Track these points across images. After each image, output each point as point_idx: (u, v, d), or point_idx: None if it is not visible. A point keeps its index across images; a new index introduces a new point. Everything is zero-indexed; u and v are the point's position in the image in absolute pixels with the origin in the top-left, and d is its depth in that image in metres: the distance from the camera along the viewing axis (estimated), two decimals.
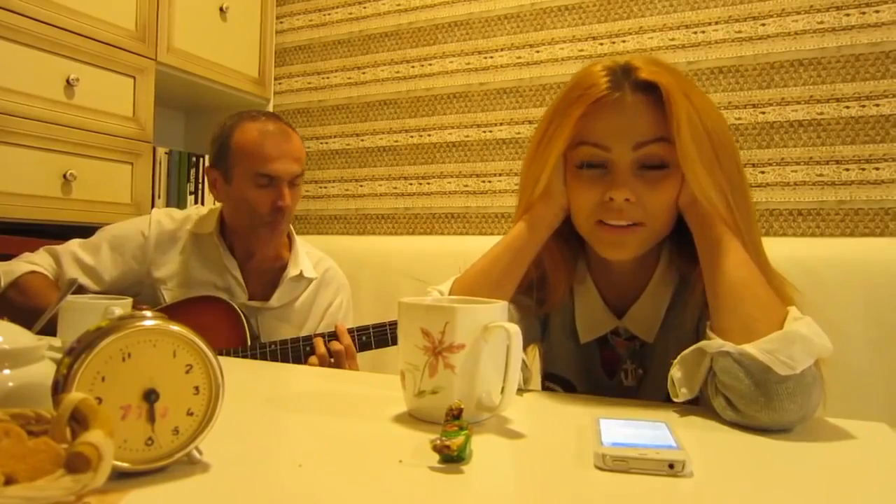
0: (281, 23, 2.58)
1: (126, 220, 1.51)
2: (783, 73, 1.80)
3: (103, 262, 1.43)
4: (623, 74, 0.78)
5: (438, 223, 2.26)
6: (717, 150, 0.76)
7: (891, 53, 1.69)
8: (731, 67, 1.86)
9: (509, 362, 0.63)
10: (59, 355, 0.46)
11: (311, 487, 0.47)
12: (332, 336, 1.31)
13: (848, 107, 1.73)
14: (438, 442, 0.50)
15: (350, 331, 1.31)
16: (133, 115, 2.00)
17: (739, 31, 1.85)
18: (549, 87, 2.10)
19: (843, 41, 1.74)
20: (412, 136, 2.31)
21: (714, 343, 0.69)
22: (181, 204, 2.26)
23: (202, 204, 2.33)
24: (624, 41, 2.00)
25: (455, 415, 0.55)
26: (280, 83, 2.58)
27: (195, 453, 0.48)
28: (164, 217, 1.49)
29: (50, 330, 1.03)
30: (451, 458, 0.51)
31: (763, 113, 1.82)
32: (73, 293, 1.09)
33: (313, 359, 1.29)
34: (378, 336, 1.32)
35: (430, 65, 2.29)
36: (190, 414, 0.48)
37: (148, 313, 0.47)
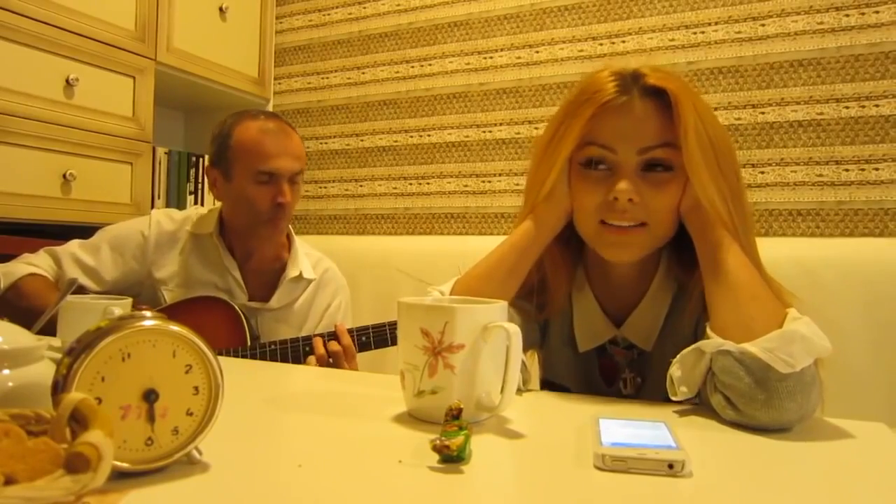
0: (280, 23, 2.58)
1: (126, 221, 1.51)
2: (783, 74, 1.80)
3: (103, 263, 1.43)
4: (632, 79, 0.80)
5: (438, 223, 2.26)
6: (719, 158, 0.77)
7: (890, 54, 1.69)
8: (731, 68, 1.86)
9: (509, 362, 0.63)
10: (58, 355, 0.46)
11: (310, 487, 0.47)
12: (332, 336, 1.31)
13: (847, 107, 1.73)
14: (438, 442, 0.50)
15: (350, 331, 1.31)
16: (133, 114, 2.00)
17: (739, 32, 1.85)
18: (549, 87, 2.10)
19: (842, 42, 1.74)
20: (412, 137, 2.31)
21: (714, 342, 0.70)
22: (181, 204, 2.26)
23: (202, 204, 2.33)
24: (624, 41, 2.00)
25: (455, 415, 0.55)
26: (280, 83, 2.58)
27: (195, 453, 0.48)
28: (163, 217, 1.49)
29: (50, 330, 1.03)
30: (451, 458, 0.51)
31: (763, 113, 1.82)
32: (74, 293, 1.09)
33: (311, 359, 1.28)
34: (377, 336, 1.32)
35: (430, 65, 2.29)
36: (189, 414, 0.48)
37: (147, 313, 0.47)
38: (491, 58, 2.19)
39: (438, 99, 2.27)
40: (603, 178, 0.80)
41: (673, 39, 1.93)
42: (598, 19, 2.03)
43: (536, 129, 2.11)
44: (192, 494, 0.45)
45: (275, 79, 2.58)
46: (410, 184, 2.31)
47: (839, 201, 1.74)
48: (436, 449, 0.50)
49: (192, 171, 2.32)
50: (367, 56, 2.41)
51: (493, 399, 0.64)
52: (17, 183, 1.71)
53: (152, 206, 2.10)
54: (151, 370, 0.46)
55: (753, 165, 1.82)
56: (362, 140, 2.40)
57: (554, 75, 2.09)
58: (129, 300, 1.07)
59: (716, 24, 1.88)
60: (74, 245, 1.45)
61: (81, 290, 1.36)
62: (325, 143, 2.47)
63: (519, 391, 0.78)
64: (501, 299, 0.74)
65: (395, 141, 2.34)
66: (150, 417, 0.46)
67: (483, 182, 2.19)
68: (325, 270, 1.56)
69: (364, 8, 2.42)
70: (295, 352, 1.32)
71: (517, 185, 2.12)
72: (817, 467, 0.57)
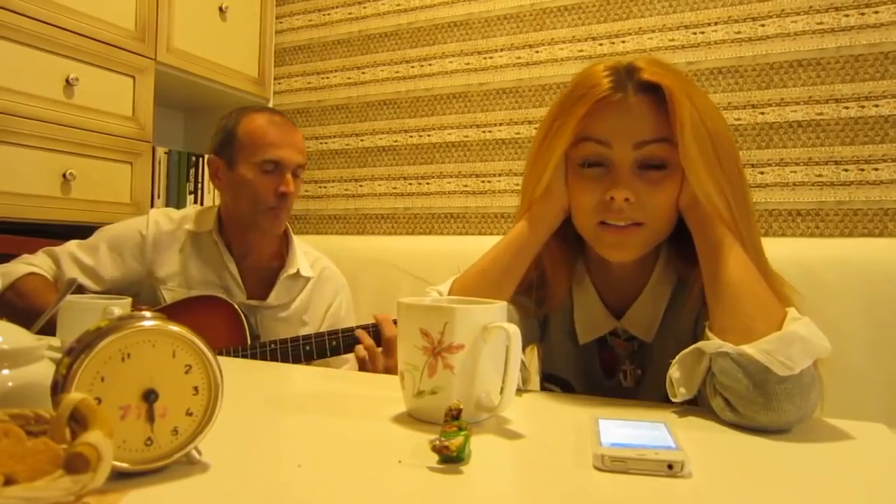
0: (280, 23, 2.58)
1: (124, 221, 1.51)
2: (782, 74, 1.80)
3: (102, 263, 1.43)
4: (626, 75, 0.79)
5: (438, 223, 2.26)
6: (718, 152, 0.76)
7: (890, 54, 1.69)
8: (731, 68, 1.86)
9: (508, 363, 0.63)
10: (58, 355, 0.46)
11: (310, 488, 0.47)
12: (375, 329, 1.28)
13: (847, 107, 1.73)
14: (437, 442, 0.50)
15: (365, 327, 1.31)
16: (133, 114, 2.00)
17: (739, 32, 1.85)
18: (549, 87, 2.10)
19: (842, 42, 1.74)
20: (412, 136, 2.31)
21: (713, 343, 0.70)
22: (181, 204, 2.26)
23: (202, 204, 2.33)
24: (623, 42, 2.00)
25: (454, 415, 0.55)
26: (279, 83, 2.58)
27: (194, 453, 0.48)
28: (161, 217, 1.49)
29: (49, 330, 1.03)
30: (451, 459, 0.51)
31: (762, 113, 1.82)
32: (73, 293, 1.09)
33: (360, 348, 1.26)
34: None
35: (430, 65, 2.29)
36: (189, 414, 0.48)
37: (147, 313, 0.47)
38: (491, 58, 2.19)
39: (438, 99, 2.27)
40: (599, 177, 0.79)
41: (673, 40, 1.93)
42: (597, 19, 2.03)
43: (536, 129, 2.10)
44: (191, 495, 0.45)
45: (275, 79, 2.58)
46: (410, 184, 2.31)
47: (839, 201, 1.74)
48: (435, 449, 0.50)
49: (192, 171, 2.32)
50: (366, 56, 2.41)
51: (492, 399, 0.64)
52: (17, 182, 1.71)
53: (152, 206, 2.10)
54: (151, 370, 0.46)
55: (753, 166, 1.83)
56: (362, 140, 2.40)
57: (554, 75, 2.09)
58: (129, 300, 1.07)
59: (715, 24, 1.88)
60: (73, 245, 1.45)
61: (81, 289, 1.36)
62: (325, 142, 2.47)
63: (518, 391, 0.78)
64: (499, 297, 0.74)
65: (395, 141, 2.34)
66: (150, 417, 0.46)
67: (483, 182, 2.19)
68: (322, 269, 1.56)
69: (364, 8, 2.42)
70: (295, 351, 1.32)
71: (517, 185, 2.12)
72: (817, 468, 0.58)
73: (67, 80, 1.80)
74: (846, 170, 1.73)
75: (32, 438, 0.38)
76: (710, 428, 0.67)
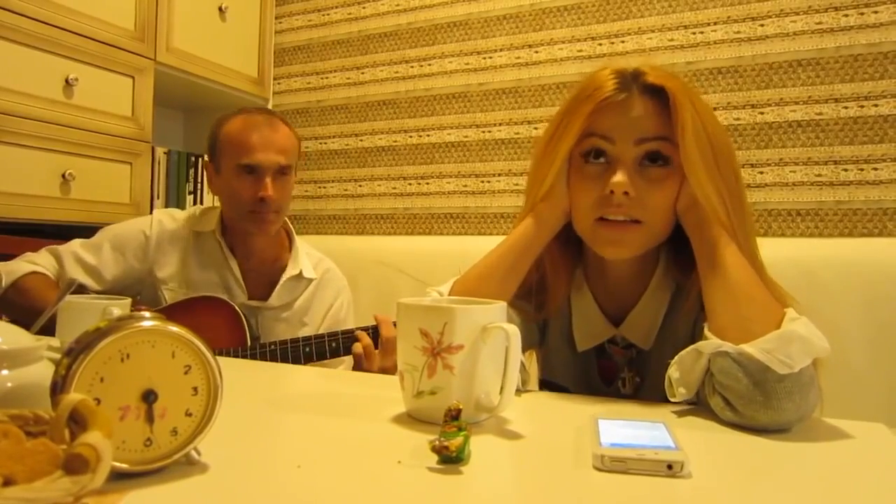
0: (280, 23, 2.58)
1: (128, 220, 1.51)
2: (782, 74, 1.80)
3: (105, 262, 1.43)
4: (631, 78, 0.81)
5: (437, 223, 2.26)
6: (717, 156, 0.78)
7: (889, 54, 1.69)
8: (730, 68, 1.86)
9: (508, 363, 0.63)
10: (57, 356, 0.46)
11: (309, 488, 0.47)
12: (374, 330, 1.29)
13: (846, 107, 1.73)
14: (437, 443, 0.50)
15: (366, 328, 1.31)
16: (132, 114, 2.00)
17: (738, 32, 1.85)
18: (548, 87, 2.10)
19: (841, 42, 1.74)
20: (411, 137, 2.31)
21: (712, 343, 0.70)
22: (180, 204, 2.26)
23: (201, 204, 2.33)
24: (623, 42, 2.00)
25: (454, 415, 0.55)
26: (279, 83, 2.57)
27: (194, 454, 0.48)
28: (165, 217, 1.49)
29: (49, 330, 1.03)
30: (450, 459, 0.51)
31: (762, 113, 1.82)
32: (75, 293, 1.09)
33: (357, 346, 1.26)
34: None
35: (429, 65, 2.29)
36: (188, 415, 0.48)
37: (146, 314, 0.47)
38: (490, 58, 2.19)
39: (438, 99, 2.27)
40: (600, 172, 0.80)
41: (672, 39, 1.93)
42: (597, 19, 2.03)
43: (536, 129, 2.11)
44: (191, 495, 0.45)
45: (274, 79, 2.58)
46: (410, 184, 2.31)
47: (838, 201, 1.74)
48: (435, 450, 0.50)
49: (192, 171, 2.32)
50: (366, 56, 2.41)
51: (492, 400, 0.64)
52: (17, 183, 1.71)
53: (151, 206, 2.10)
54: (150, 371, 0.46)
55: (752, 165, 1.83)
56: (361, 140, 2.40)
57: (553, 75, 2.09)
58: (129, 300, 1.07)
59: (715, 24, 1.88)
60: (76, 244, 1.45)
61: (82, 289, 1.36)
62: (325, 143, 2.47)
63: (518, 392, 0.78)
64: (501, 298, 0.75)
65: (395, 141, 2.34)
66: (149, 418, 0.46)
67: (482, 182, 2.19)
68: (325, 270, 1.56)
69: (363, 8, 2.42)
70: (295, 352, 1.32)
71: (516, 185, 2.13)
72: (816, 468, 0.58)
73: (67, 81, 1.80)
74: (846, 169, 1.73)
75: (31, 439, 0.38)
76: (709, 428, 0.67)
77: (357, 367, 1.27)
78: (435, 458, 0.51)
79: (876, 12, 1.70)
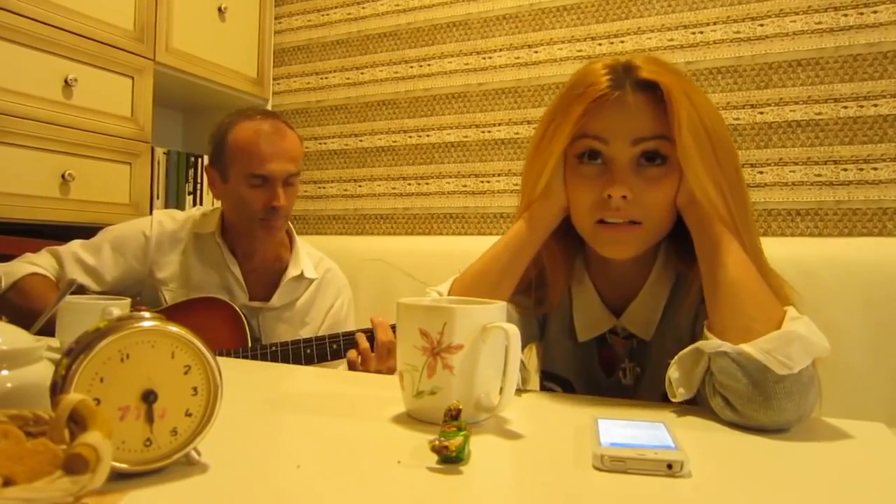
0: (279, 23, 2.58)
1: (128, 221, 1.51)
2: (781, 74, 1.80)
3: (105, 263, 1.43)
4: (624, 73, 0.79)
5: (437, 223, 2.26)
6: (716, 150, 0.76)
7: (888, 54, 1.69)
8: (730, 68, 1.86)
9: (508, 363, 0.63)
10: (57, 356, 0.46)
11: (309, 488, 0.47)
12: (370, 333, 1.29)
13: (846, 107, 1.73)
14: (437, 442, 0.50)
15: (366, 331, 1.31)
16: (131, 115, 2.00)
17: (738, 32, 1.85)
18: (548, 87, 2.10)
19: (840, 41, 1.74)
20: (411, 137, 2.31)
21: (711, 343, 0.70)
22: (180, 204, 2.26)
23: (200, 204, 2.33)
24: (622, 41, 2.00)
25: (454, 415, 0.55)
26: (278, 83, 2.57)
27: (193, 454, 0.48)
28: (165, 218, 1.49)
29: (49, 330, 1.03)
30: (450, 459, 0.51)
31: (761, 113, 1.82)
32: (75, 293, 1.09)
33: (353, 353, 1.27)
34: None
35: (429, 65, 2.29)
36: (188, 415, 0.48)
37: (146, 314, 0.47)
38: (490, 58, 2.19)
39: (437, 99, 2.27)
40: (597, 174, 0.79)
41: (671, 39, 1.93)
42: (596, 19, 2.03)
43: (535, 129, 2.10)
44: (190, 495, 0.45)
45: (273, 79, 2.58)
46: (409, 184, 2.31)
47: (838, 201, 1.74)
48: (435, 450, 0.50)
49: (191, 172, 2.31)
50: (365, 56, 2.41)
51: (491, 399, 0.64)
52: (16, 183, 1.71)
53: (151, 207, 2.10)
54: (150, 371, 0.46)
55: (752, 165, 1.83)
56: (361, 140, 2.40)
57: (553, 75, 2.09)
58: (128, 301, 1.07)
59: (714, 24, 1.88)
60: (76, 245, 1.45)
61: (82, 289, 1.36)
62: (324, 143, 2.47)
63: (518, 392, 0.78)
64: (499, 297, 0.75)
65: (394, 141, 2.34)
66: (149, 418, 0.46)
67: (482, 182, 2.19)
68: (326, 270, 1.56)
69: (363, 8, 2.42)
70: (296, 353, 1.32)
71: (516, 185, 2.12)
72: (816, 467, 0.58)
73: (66, 81, 1.80)
74: (845, 169, 1.73)
75: (31, 439, 0.38)
76: (709, 427, 0.67)
77: (351, 370, 1.27)
78: (435, 457, 0.51)
79: (875, 12, 1.71)
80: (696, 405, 0.75)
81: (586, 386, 0.93)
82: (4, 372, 0.51)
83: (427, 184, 2.28)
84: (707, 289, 0.75)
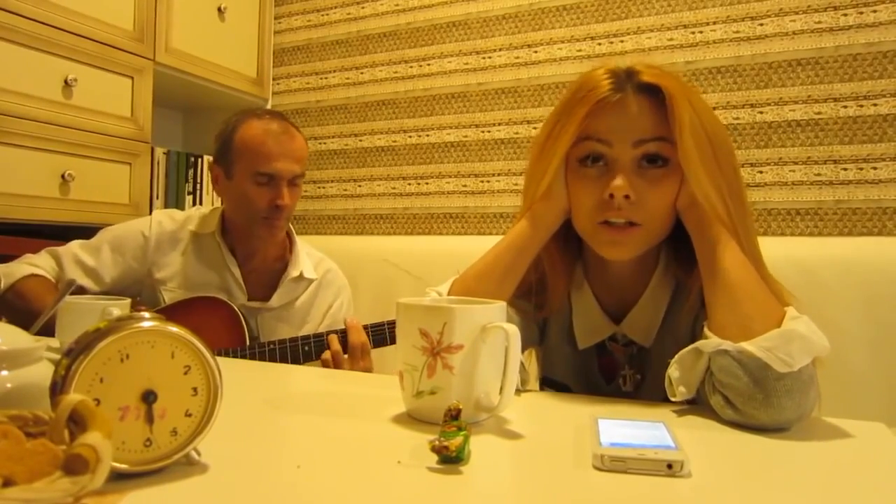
0: (279, 23, 2.58)
1: (127, 222, 1.51)
2: (781, 73, 1.80)
3: (104, 263, 1.43)
4: (626, 77, 0.80)
5: (437, 223, 2.26)
6: (716, 153, 0.77)
7: (888, 53, 1.69)
8: (729, 67, 1.86)
9: (508, 363, 0.63)
10: (57, 356, 0.46)
11: (309, 488, 0.47)
12: (344, 333, 1.31)
13: (846, 106, 1.73)
14: (437, 442, 0.50)
15: (364, 327, 1.32)
16: (131, 115, 2.00)
17: (737, 31, 1.85)
18: (548, 87, 2.10)
19: (840, 41, 1.74)
20: (410, 137, 2.31)
21: (712, 342, 0.70)
22: (179, 204, 2.26)
23: (200, 204, 2.33)
24: (622, 41, 2.00)
25: (453, 415, 0.55)
26: (278, 83, 2.57)
27: (193, 454, 0.48)
28: (164, 218, 1.49)
29: (48, 331, 1.03)
30: (450, 459, 0.51)
31: (761, 113, 1.82)
32: (74, 294, 1.09)
33: (327, 354, 1.29)
34: (390, 333, 1.33)
35: (429, 65, 2.29)
36: (188, 415, 0.48)
37: (146, 314, 0.47)
38: (489, 58, 2.19)
39: (437, 99, 2.27)
40: (599, 175, 0.80)
41: (671, 39, 1.93)
42: (596, 19, 2.03)
43: (535, 128, 2.11)
44: (190, 495, 0.45)
45: (273, 79, 2.58)
46: (409, 184, 2.31)
47: (837, 200, 1.74)
48: (435, 450, 0.50)
49: (191, 172, 2.31)
50: (365, 56, 2.41)
51: (491, 399, 0.64)
52: (16, 183, 1.71)
53: (151, 207, 2.10)
54: (150, 371, 0.46)
55: (752, 165, 1.83)
56: (361, 140, 2.40)
57: (552, 75, 2.09)
58: (128, 301, 1.07)
59: (714, 23, 1.88)
60: (75, 245, 1.45)
61: (81, 290, 1.36)
62: (324, 143, 2.47)
63: (518, 391, 0.78)
64: (499, 297, 0.74)
65: (394, 141, 2.34)
66: (149, 418, 0.46)
67: (482, 182, 2.19)
68: (326, 271, 1.56)
69: (362, 8, 2.42)
70: (294, 351, 1.33)
71: (516, 185, 2.12)
72: (816, 467, 0.58)
73: (66, 81, 1.80)
74: (845, 169, 1.73)
75: (31, 440, 0.38)
76: (709, 427, 0.67)
77: (352, 361, 1.30)
78: (435, 457, 0.51)
79: (875, 12, 1.71)
80: (696, 405, 0.75)
81: (586, 393, 0.93)
82: (4, 372, 0.51)
83: (427, 184, 2.28)
84: (707, 289, 0.75)
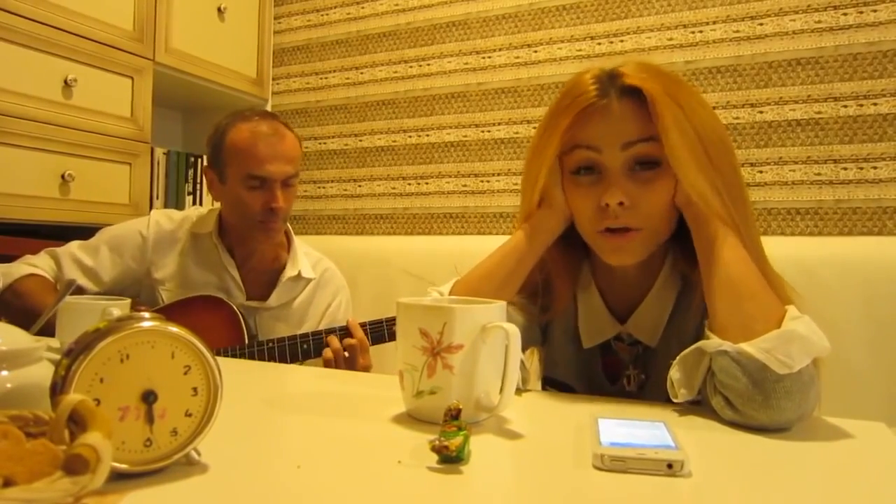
0: (279, 23, 2.58)
1: (125, 222, 1.51)
2: (781, 73, 1.80)
3: (102, 264, 1.43)
4: (609, 81, 0.80)
5: (437, 223, 2.26)
6: (707, 149, 0.76)
7: (888, 53, 1.69)
8: (729, 67, 1.86)
9: (508, 362, 0.63)
10: (57, 356, 0.46)
11: (309, 488, 0.47)
12: (345, 332, 1.32)
13: (846, 106, 1.73)
14: (437, 442, 0.50)
15: (363, 325, 1.33)
16: (131, 115, 2.00)
17: (737, 31, 1.85)
18: (547, 86, 2.10)
19: (840, 40, 1.74)
20: (410, 137, 2.31)
21: (712, 342, 0.70)
22: (179, 204, 2.26)
23: (200, 204, 2.33)
24: (622, 41, 2.00)
25: (454, 415, 0.55)
26: (278, 83, 2.57)
27: (194, 454, 0.48)
28: (162, 218, 1.49)
29: (48, 331, 1.03)
30: (450, 459, 0.51)
31: (761, 112, 1.82)
32: (73, 294, 1.09)
33: (328, 351, 1.29)
34: (388, 331, 1.34)
35: (429, 65, 2.29)
36: (188, 415, 0.48)
37: (146, 314, 0.47)
38: (489, 57, 2.19)
39: (437, 99, 2.27)
40: (592, 183, 0.80)
41: (671, 39, 1.93)
42: (596, 19, 2.03)
43: (535, 128, 2.09)
44: (191, 495, 0.45)
45: (273, 79, 2.58)
46: (409, 184, 2.31)
47: (837, 200, 1.74)
48: (435, 449, 0.50)
49: (191, 172, 2.31)
50: (365, 56, 2.40)
51: (492, 399, 0.64)
52: (16, 183, 1.71)
53: (151, 207, 2.10)
54: (150, 371, 0.46)
55: (752, 164, 1.83)
56: (361, 140, 2.40)
57: (552, 75, 2.09)
58: (128, 301, 1.07)
59: (714, 23, 1.88)
60: (74, 246, 1.45)
61: (81, 290, 1.36)
62: (324, 143, 2.47)
63: (518, 391, 0.78)
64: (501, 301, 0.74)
65: (394, 141, 2.34)
66: (149, 418, 0.46)
67: (482, 182, 2.19)
68: (324, 270, 1.56)
69: (362, 8, 2.42)
70: (293, 350, 1.33)
71: (516, 184, 2.12)
72: (817, 467, 0.58)
73: (66, 81, 1.80)
74: (845, 168, 1.73)
75: (31, 440, 0.38)
76: (709, 427, 0.67)
77: (351, 359, 1.31)
78: (435, 457, 0.51)
79: (875, 11, 1.70)
80: (698, 405, 0.75)
81: (589, 393, 0.93)
82: (4, 372, 0.51)
83: (427, 183, 2.28)
84: (706, 287, 0.75)
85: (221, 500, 0.44)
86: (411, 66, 2.32)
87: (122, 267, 1.44)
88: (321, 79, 2.49)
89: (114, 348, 0.45)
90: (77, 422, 0.39)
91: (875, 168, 1.70)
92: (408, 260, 1.88)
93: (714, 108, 1.79)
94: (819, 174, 1.76)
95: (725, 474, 0.54)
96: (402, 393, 0.66)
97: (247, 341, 1.35)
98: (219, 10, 2.30)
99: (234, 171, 1.38)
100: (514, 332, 0.62)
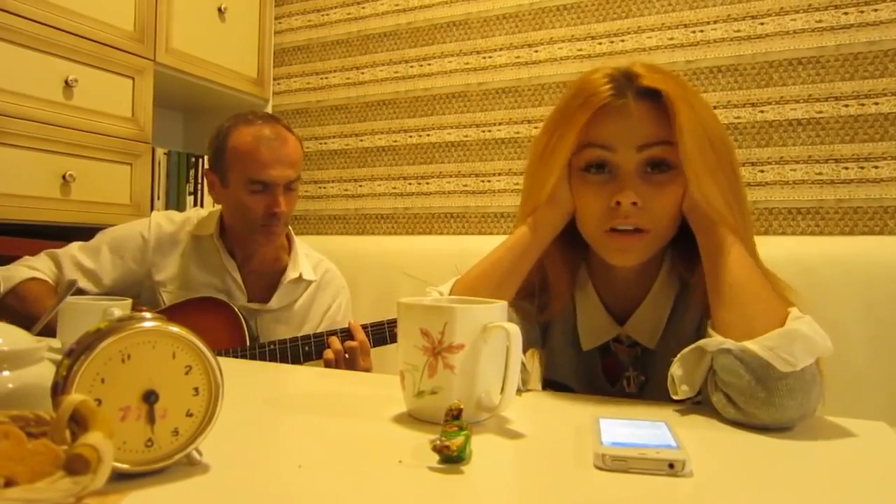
0: (279, 23, 2.58)
1: (126, 223, 1.51)
2: (782, 72, 1.80)
3: (103, 265, 1.43)
4: (626, 81, 0.79)
5: (437, 223, 2.26)
6: (718, 156, 0.77)
7: (889, 52, 1.69)
8: (730, 66, 1.86)
9: (509, 362, 0.63)
10: (58, 357, 0.46)
11: (310, 488, 0.47)
12: (346, 333, 1.32)
13: (847, 105, 1.73)
14: (438, 442, 0.50)
15: (364, 327, 1.33)
16: (132, 115, 2.00)
17: (738, 31, 1.85)
18: (548, 86, 2.10)
19: (841, 40, 1.74)
20: (411, 136, 2.31)
21: (715, 341, 0.70)
22: (180, 205, 2.26)
23: (201, 205, 2.33)
24: (623, 41, 2.00)
25: (454, 415, 0.55)
26: (279, 83, 2.57)
27: (195, 454, 0.48)
28: (163, 219, 1.49)
29: (49, 332, 1.03)
30: (451, 459, 0.51)
31: (762, 112, 1.82)
32: (73, 296, 1.09)
33: (329, 352, 1.30)
34: (390, 332, 1.34)
35: (429, 65, 2.29)
36: (189, 415, 0.48)
37: (147, 315, 0.47)
38: (490, 57, 2.19)
39: (437, 99, 2.27)
40: (604, 182, 0.80)
41: (672, 38, 1.93)
42: (596, 18, 2.03)
43: (535, 128, 2.11)
44: (192, 495, 0.45)
45: (274, 79, 2.58)
46: (410, 184, 2.31)
47: (838, 199, 1.74)
48: (436, 449, 0.50)
49: (192, 172, 2.31)
50: (365, 56, 2.40)
51: (492, 399, 0.64)
52: (17, 184, 1.71)
53: (152, 207, 2.10)
54: (151, 371, 0.46)
55: (753, 164, 1.82)
56: (361, 140, 2.40)
57: (553, 75, 2.09)
58: (129, 301, 1.07)
59: (714, 22, 1.88)
60: (75, 247, 1.45)
61: (81, 292, 1.36)
62: (325, 143, 2.47)
63: (519, 391, 0.78)
64: (501, 299, 0.74)
65: (395, 141, 2.34)
66: (150, 419, 0.46)
67: (482, 182, 2.19)
68: (325, 272, 1.56)
69: (363, 8, 2.42)
70: (294, 352, 1.33)
71: (516, 184, 2.12)
72: (818, 466, 0.57)
73: (66, 82, 1.80)
74: (846, 168, 1.73)
75: (33, 440, 0.38)
76: (711, 427, 0.67)
77: (352, 361, 1.31)
78: (436, 457, 0.51)
79: (876, 10, 1.70)
80: (698, 404, 0.75)
81: (589, 394, 0.93)
82: (6, 373, 0.51)
83: (427, 183, 2.28)
84: (711, 288, 0.75)
85: (222, 500, 0.44)
86: (412, 66, 2.32)
87: (123, 269, 1.44)
88: (322, 79, 2.49)
89: (115, 348, 0.45)
90: (78, 422, 0.39)
91: (876, 167, 1.70)
92: (408, 260, 1.88)
93: (715, 107, 1.80)
94: (820, 174, 1.76)
95: (727, 474, 0.54)
96: (403, 393, 0.66)
97: (248, 343, 1.35)
98: (219, 10, 2.30)
99: (236, 174, 1.38)
100: (516, 332, 0.62)
